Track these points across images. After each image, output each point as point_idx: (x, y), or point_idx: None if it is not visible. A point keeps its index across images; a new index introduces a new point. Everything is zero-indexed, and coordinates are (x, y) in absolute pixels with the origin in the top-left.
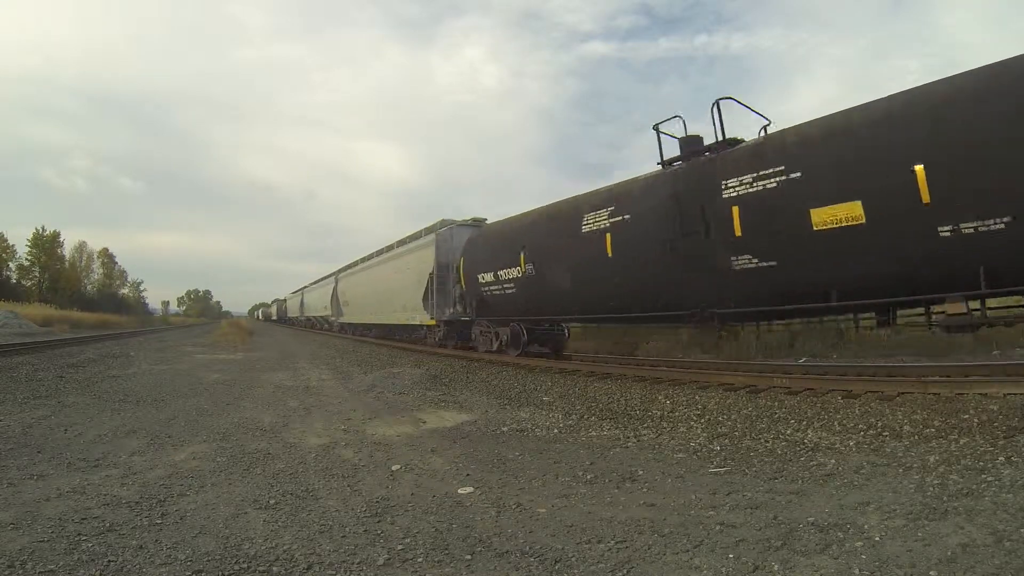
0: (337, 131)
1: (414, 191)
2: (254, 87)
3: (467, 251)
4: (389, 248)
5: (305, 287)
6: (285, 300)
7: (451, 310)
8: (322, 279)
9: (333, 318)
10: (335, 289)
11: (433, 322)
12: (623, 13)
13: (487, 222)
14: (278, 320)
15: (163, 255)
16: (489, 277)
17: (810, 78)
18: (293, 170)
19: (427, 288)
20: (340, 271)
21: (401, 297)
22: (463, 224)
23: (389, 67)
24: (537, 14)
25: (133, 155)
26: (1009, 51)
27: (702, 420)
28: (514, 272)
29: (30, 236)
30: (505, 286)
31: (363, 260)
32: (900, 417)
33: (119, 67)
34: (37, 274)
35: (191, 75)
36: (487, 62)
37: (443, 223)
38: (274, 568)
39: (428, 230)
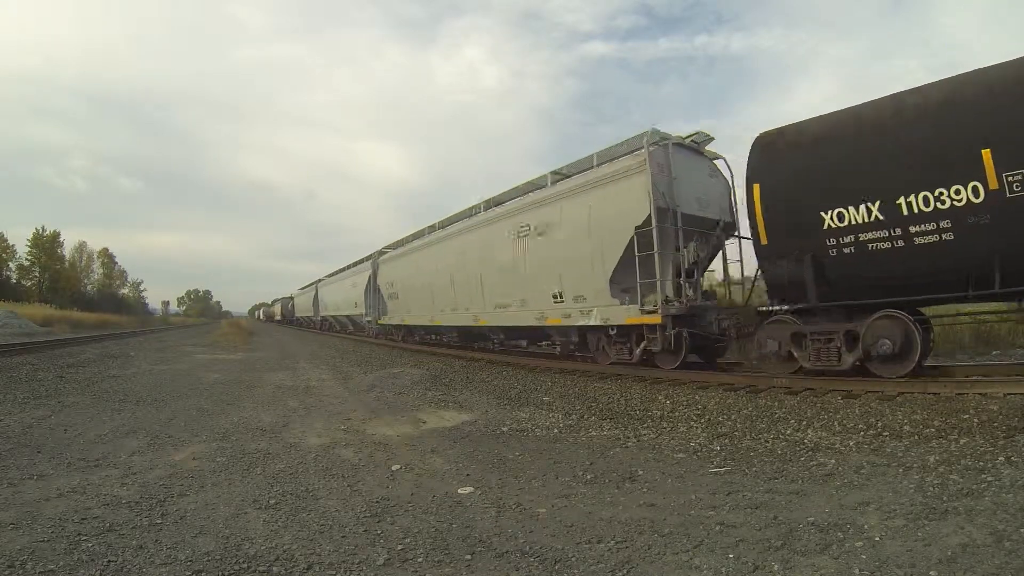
0: (337, 131)
1: (414, 191)
2: (254, 87)
3: (770, 170)
4: (499, 200)
5: (321, 280)
6: (292, 298)
7: (663, 295)
8: (347, 268)
9: (368, 318)
10: (372, 277)
11: (656, 318)
12: (623, 13)
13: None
14: (283, 321)
15: (163, 255)
16: (862, 214)
17: (810, 78)
18: (293, 170)
19: (624, 256)
20: (382, 251)
21: (551, 277)
22: (679, 144)
23: (389, 67)
24: (537, 14)
25: (133, 155)
26: (1009, 50)
27: (702, 420)
28: (960, 195)
29: (30, 236)
30: (919, 228)
31: (435, 227)
32: (900, 417)
33: (119, 67)
34: (37, 274)
35: (191, 75)
36: (487, 62)
37: (654, 134)
38: (274, 568)
39: (610, 153)
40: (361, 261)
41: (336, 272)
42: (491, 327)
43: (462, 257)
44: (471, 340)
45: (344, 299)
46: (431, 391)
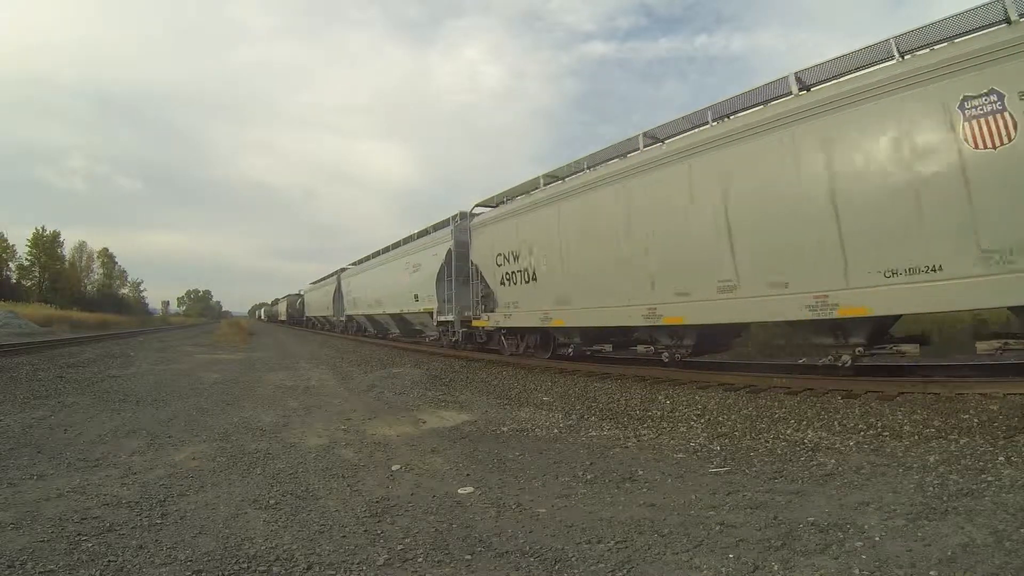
0: (337, 131)
1: (415, 190)
2: (254, 87)
3: None
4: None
5: (345, 269)
6: (302, 295)
7: None
8: (394, 247)
9: (446, 317)
10: (454, 253)
11: None
12: (623, 13)
13: None
14: (289, 322)
15: (163, 255)
16: None
17: None
18: (293, 170)
19: None
20: (473, 213)
21: None
22: None
23: (390, 67)
24: (537, 14)
25: (133, 155)
26: None
27: (702, 420)
28: None
29: (30, 236)
30: None
31: (650, 139)
32: (900, 417)
33: (119, 67)
34: (37, 274)
35: (191, 75)
36: (487, 63)
37: None
38: (274, 568)
39: None
40: (427, 231)
41: (372, 256)
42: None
43: (774, 178)
44: (777, 351)
45: (391, 291)
46: (431, 391)
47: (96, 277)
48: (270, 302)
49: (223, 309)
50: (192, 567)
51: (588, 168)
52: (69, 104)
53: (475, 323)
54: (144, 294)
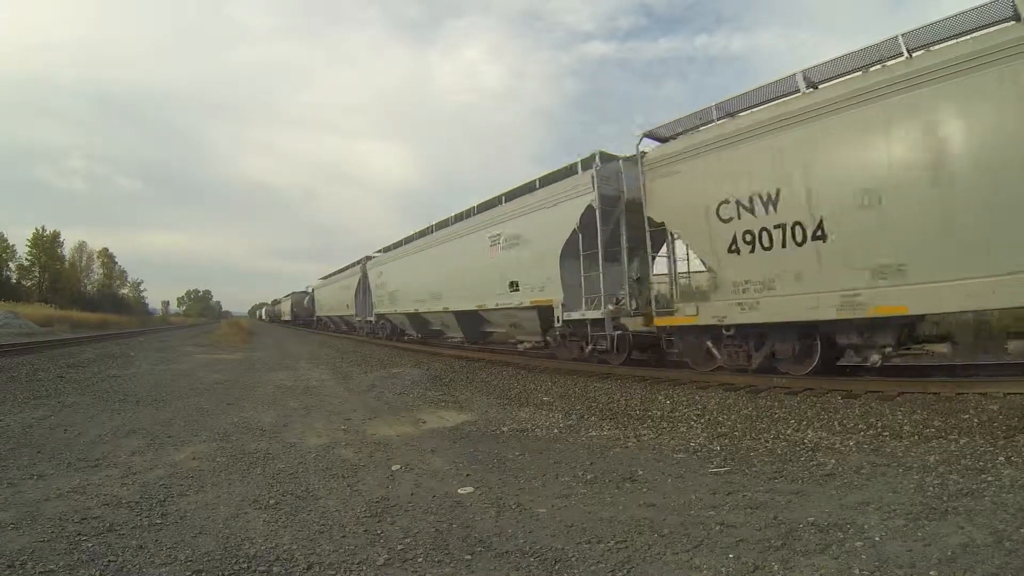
0: (337, 131)
1: (415, 190)
2: (254, 87)
3: None
4: None
5: (372, 258)
6: (310, 291)
7: None
8: (462, 217)
9: (583, 311)
10: (602, 215)
11: None
12: (623, 13)
13: None
14: (294, 322)
15: (163, 255)
16: None
17: None
18: (293, 170)
19: None
20: (658, 136)
21: None
22: None
23: (390, 67)
24: (537, 14)
25: (133, 155)
26: None
27: (702, 420)
28: None
29: (30, 236)
30: None
31: None
32: (900, 417)
33: (118, 68)
34: (37, 274)
35: (191, 75)
36: (488, 62)
37: None
38: (274, 568)
39: None
40: (531, 186)
41: (418, 234)
42: None
43: None
44: None
45: (461, 279)
46: (431, 391)
47: (96, 277)
48: (271, 301)
49: (223, 309)
50: (192, 567)
51: (945, 39)
52: (69, 104)
53: (661, 321)
54: (144, 294)
